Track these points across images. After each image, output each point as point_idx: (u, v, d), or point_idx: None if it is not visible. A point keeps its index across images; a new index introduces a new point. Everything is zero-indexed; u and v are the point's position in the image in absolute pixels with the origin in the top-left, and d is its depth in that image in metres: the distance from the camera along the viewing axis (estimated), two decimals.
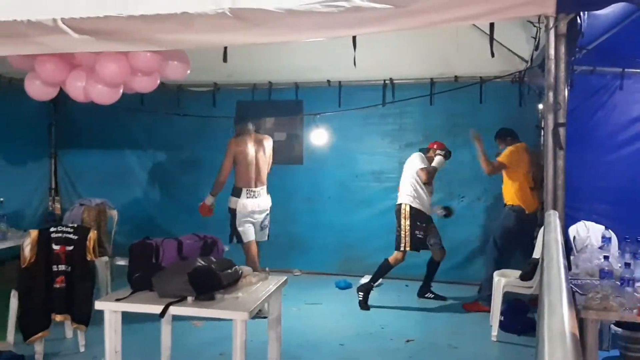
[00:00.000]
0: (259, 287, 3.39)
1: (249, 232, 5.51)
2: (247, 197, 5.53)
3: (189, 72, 3.90)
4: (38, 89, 3.86)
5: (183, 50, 3.81)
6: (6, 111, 6.76)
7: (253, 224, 5.57)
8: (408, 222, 5.75)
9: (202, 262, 3.24)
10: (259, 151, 5.66)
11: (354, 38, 3.00)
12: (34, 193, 7.56)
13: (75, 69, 3.65)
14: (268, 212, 5.73)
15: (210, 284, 3.14)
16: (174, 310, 3.05)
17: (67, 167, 7.86)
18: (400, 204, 5.86)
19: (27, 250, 4.25)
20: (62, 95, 4.19)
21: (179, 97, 7.25)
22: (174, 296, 3.08)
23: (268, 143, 5.79)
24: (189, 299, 3.08)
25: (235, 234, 5.52)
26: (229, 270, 3.32)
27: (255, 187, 5.59)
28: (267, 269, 3.63)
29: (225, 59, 3.31)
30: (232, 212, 5.53)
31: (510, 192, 5.66)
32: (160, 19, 3.00)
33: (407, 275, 6.44)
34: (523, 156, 5.64)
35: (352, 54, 3.13)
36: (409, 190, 5.83)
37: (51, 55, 3.49)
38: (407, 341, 4.88)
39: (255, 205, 5.57)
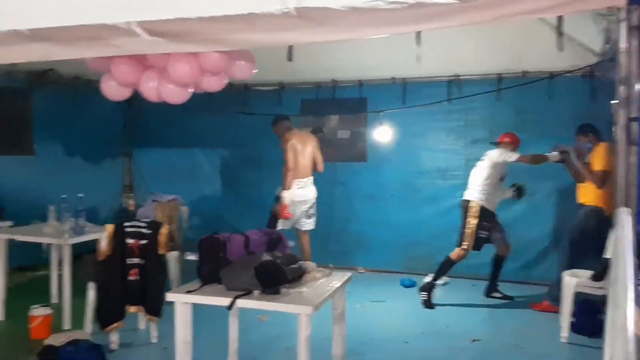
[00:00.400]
0: (323, 283, 3.43)
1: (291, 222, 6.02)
2: (297, 188, 5.99)
3: (255, 71, 3.98)
4: (113, 90, 4.04)
5: (249, 50, 3.90)
6: (85, 112, 7.13)
7: (300, 212, 6.06)
8: (475, 222, 5.64)
9: (268, 257, 3.31)
10: (306, 145, 6.15)
11: (418, 34, 2.99)
12: (109, 190, 7.92)
13: (148, 70, 3.80)
14: (314, 201, 6.18)
15: (275, 278, 3.20)
16: (240, 303, 3.13)
17: (141, 165, 8.19)
18: (470, 201, 5.73)
19: (103, 244, 4.46)
20: (136, 96, 4.37)
21: (246, 96, 7.41)
22: (241, 289, 3.17)
23: (311, 138, 6.26)
24: (255, 292, 3.15)
25: (274, 221, 5.99)
26: (294, 266, 3.38)
27: (303, 178, 6.04)
28: (330, 265, 3.67)
29: (290, 58, 3.37)
30: (278, 202, 5.98)
31: (592, 193, 5.39)
32: (228, 20, 3.09)
33: (473, 274, 6.35)
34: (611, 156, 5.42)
35: (416, 50, 3.13)
36: (481, 188, 5.69)
37: (126, 57, 3.65)
38: (473, 340, 4.82)
39: (303, 195, 6.03)
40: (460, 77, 6.72)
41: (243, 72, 3.88)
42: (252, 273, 3.15)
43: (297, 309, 3.03)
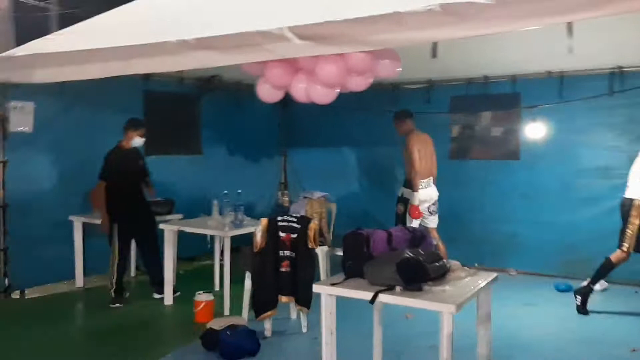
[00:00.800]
0: (468, 282, 3.38)
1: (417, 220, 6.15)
2: (422, 188, 6.13)
3: (400, 69, 4.02)
4: (267, 92, 4.31)
5: (393, 49, 3.95)
6: (246, 114, 7.67)
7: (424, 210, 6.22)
8: (638, 222, 5.19)
9: (411, 254, 3.33)
10: (427, 145, 6.30)
11: (569, 25, 2.84)
12: (267, 186, 8.41)
13: (298, 73, 4.00)
14: (436, 199, 6.31)
15: (418, 275, 3.21)
16: (382, 297, 3.18)
17: (295, 163, 8.59)
18: (633, 200, 5.29)
19: (258, 237, 4.76)
20: (289, 98, 4.61)
21: (394, 94, 7.46)
22: (383, 285, 3.21)
23: (430, 139, 6.39)
24: (397, 288, 3.19)
25: (401, 221, 6.08)
26: (437, 263, 3.37)
27: (425, 178, 6.18)
28: (476, 264, 3.60)
29: (434, 55, 3.37)
30: (404, 201, 6.19)
31: None
32: (373, 21, 3.16)
33: (637, 281, 5.84)
34: None
35: (572, 42, 2.98)
36: None
37: (278, 61, 3.87)
38: (633, 350, 4.45)
39: (427, 195, 6.19)
40: (624, 69, 6.21)
41: (388, 70, 3.94)
42: (394, 269, 3.19)
43: (439, 307, 3.03)
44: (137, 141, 5.85)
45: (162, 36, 3.97)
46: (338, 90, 4.08)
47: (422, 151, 6.23)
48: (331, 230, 6.38)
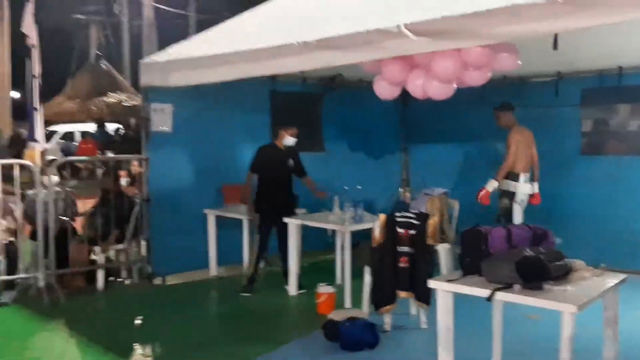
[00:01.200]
0: (592, 283, 3.23)
1: (518, 214, 6.13)
2: (524, 182, 6.17)
3: (519, 63, 3.91)
4: (384, 89, 4.37)
5: (511, 42, 3.84)
6: (366, 111, 7.77)
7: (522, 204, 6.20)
8: None
9: (531, 252, 3.25)
10: (528, 141, 6.30)
11: None
12: (387, 183, 8.45)
13: (415, 69, 4.03)
14: (529, 195, 6.28)
15: (538, 273, 3.13)
16: (500, 296, 3.14)
17: (416, 160, 8.55)
18: None
19: (376, 232, 4.85)
20: (410, 94, 4.63)
21: (519, 88, 7.19)
22: (501, 282, 3.17)
23: (531, 135, 6.36)
24: (516, 286, 3.13)
25: (504, 215, 6.04)
26: (559, 262, 3.26)
27: (527, 172, 6.22)
28: (603, 265, 3.43)
29: (555, 47, 3.26)
30: (509, 195, 6.17)
31: None
32: (491, 14, 3.12)
33: None
34: None
35: None
36: None
37: (394, 58, 3.92)
38: None
39: (528, 189, 6.22)
40: None
41: (506, 64, 3.85)
42: (513, 267, 3.12)
43: (559, 307, 2.94)
44: (289, 140, 6.16)
45: (286, 38, 4.18)
46: (455, 86, 4.05)
47: (522, 146, 6.22)
48: (453, 227, 6.31)
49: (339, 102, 7.89)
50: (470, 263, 3.42)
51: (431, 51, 3.59)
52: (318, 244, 7.23)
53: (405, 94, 4.72)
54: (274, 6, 5.35)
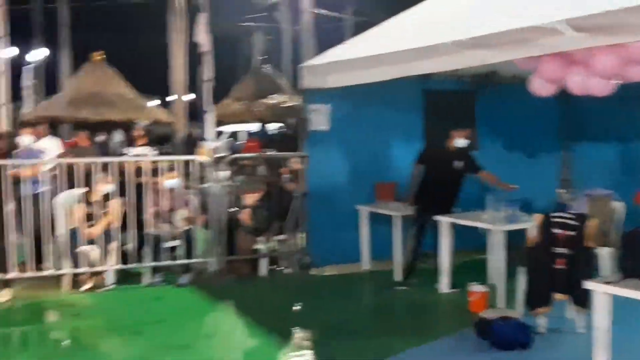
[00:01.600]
0: None
1: None
2: None
3: None
4: (540, 86, 4.28)
5: None
6: (522, 109, 7.54)
7: None
8: None
9: None
10: None
11: None
12: (545, 182, 8.11)
13: (573, 65, 3.90)
14: None
15: None
16: None
17: (578, 159, 8.11)
18: None
19: (532, 232, 4.76)
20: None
21: None
22: None
23: None
24: None
25: None
26: None
27: None
28: None
29: None
30: None
31: None
32: None
33: None
34: None
35: None
36: None
37: (552, 55, 3.83)
38: None
39: None
40: None
41: None
42: None
43: None
44: (460, 142, 6.30)
45: (440, 38, 4.27)
46: (617, 82, 3.87)
47: None
48: (617, 231, 5.95)
49: (493, 99, 7.74)
50: (630, 266, 3.29)
51: (589, 47, 3.47)
52: (470, 243, 7.18)
53: (565, 91, 4.56)
54: (427, 7, 5.44)
